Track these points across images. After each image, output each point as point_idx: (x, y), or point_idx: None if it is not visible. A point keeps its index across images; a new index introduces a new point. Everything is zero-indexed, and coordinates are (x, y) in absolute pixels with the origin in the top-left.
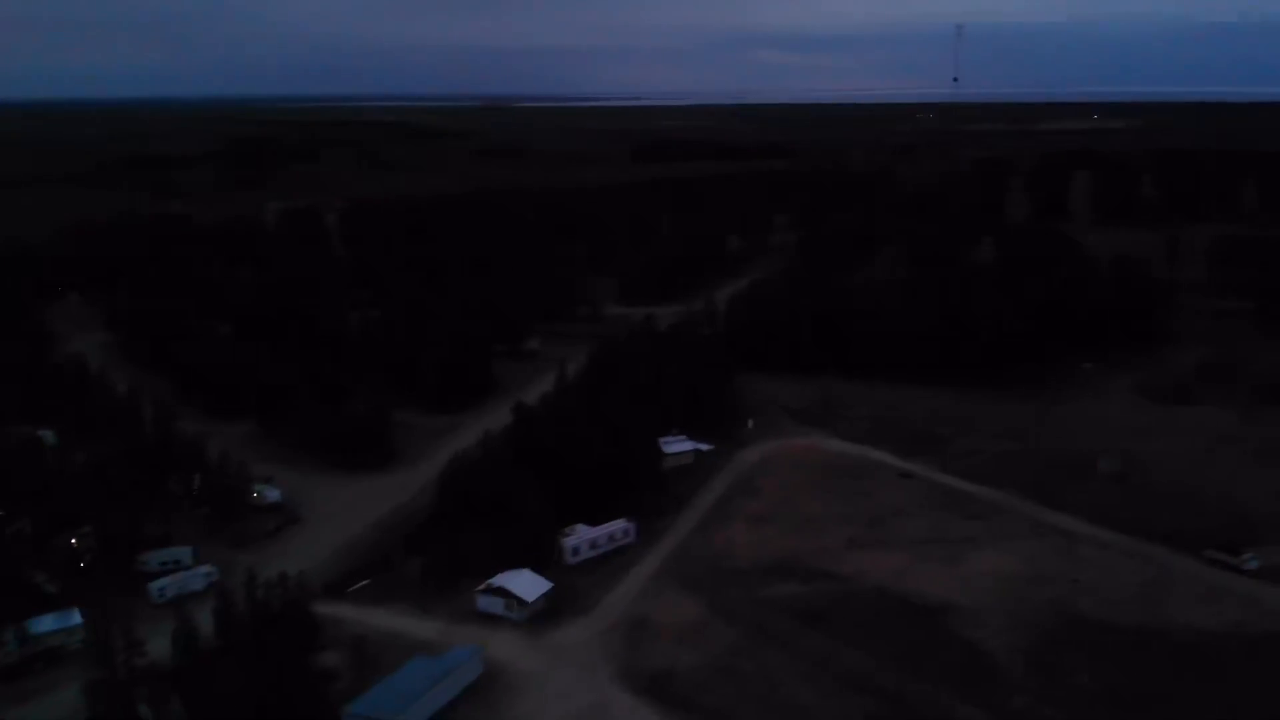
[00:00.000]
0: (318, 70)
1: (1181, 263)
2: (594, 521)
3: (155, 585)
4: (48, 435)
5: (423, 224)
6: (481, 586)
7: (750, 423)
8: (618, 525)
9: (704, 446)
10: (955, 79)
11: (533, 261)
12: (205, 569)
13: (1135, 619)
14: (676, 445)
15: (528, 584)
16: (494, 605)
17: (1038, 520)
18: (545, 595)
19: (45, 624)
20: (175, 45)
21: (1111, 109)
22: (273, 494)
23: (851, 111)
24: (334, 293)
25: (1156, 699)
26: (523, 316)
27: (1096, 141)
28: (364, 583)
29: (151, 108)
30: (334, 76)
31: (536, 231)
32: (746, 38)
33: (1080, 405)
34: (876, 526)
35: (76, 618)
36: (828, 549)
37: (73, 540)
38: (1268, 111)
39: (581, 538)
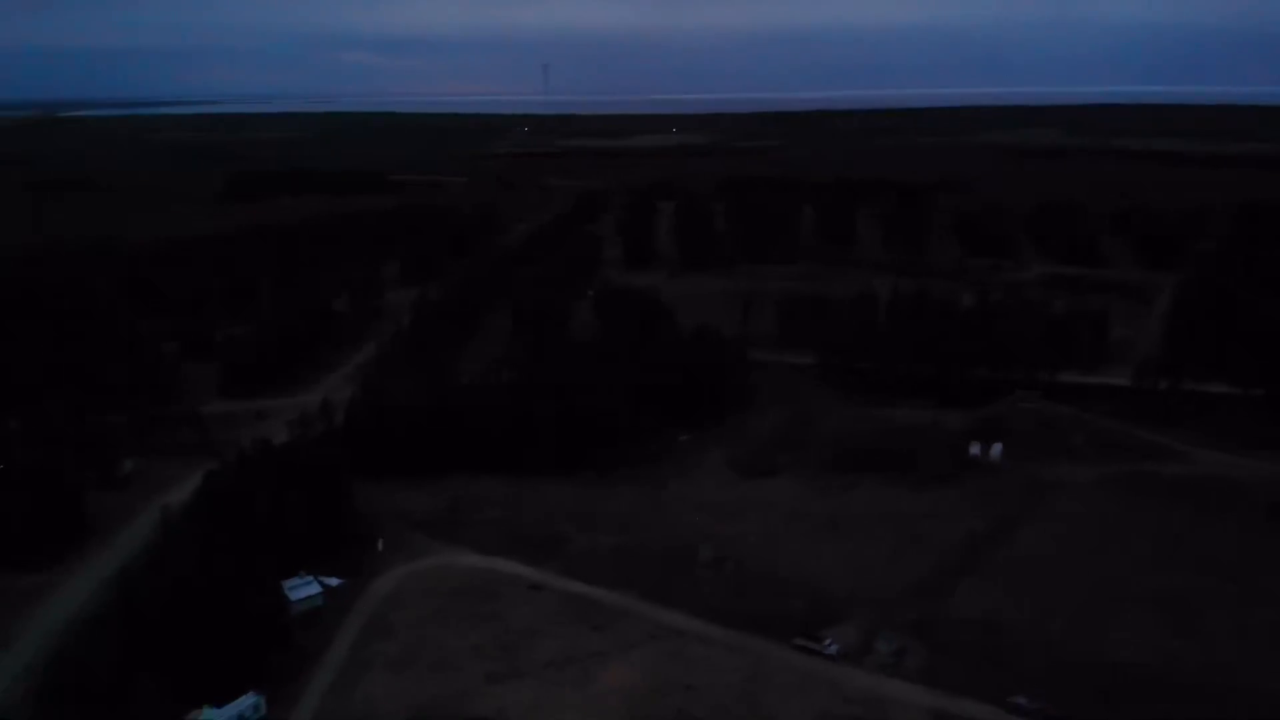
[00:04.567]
0: None
1: (754, 317)
2: (221, 699)
3: None
4: None
5: None
6: None
7: (380, 544)
8: (246, 701)
9: (333, 582)
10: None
11: (114, 348)
12: None
13: None
14: (303, 589)
15: None
16: None
17: (654, 622)
18: None
19: None
20: None
21: (690, 120)
22: None
23: (449, 121)
24: None
25: None
26: (112, 429)
27: (677, 165)
28: None
29: None
30: None
31: (114, 304)
32: (333, 38)
33: (680, 486)
34: (511, 653)
35: None
36: (467, 689)
37: None
38: (833, 117)
39: None
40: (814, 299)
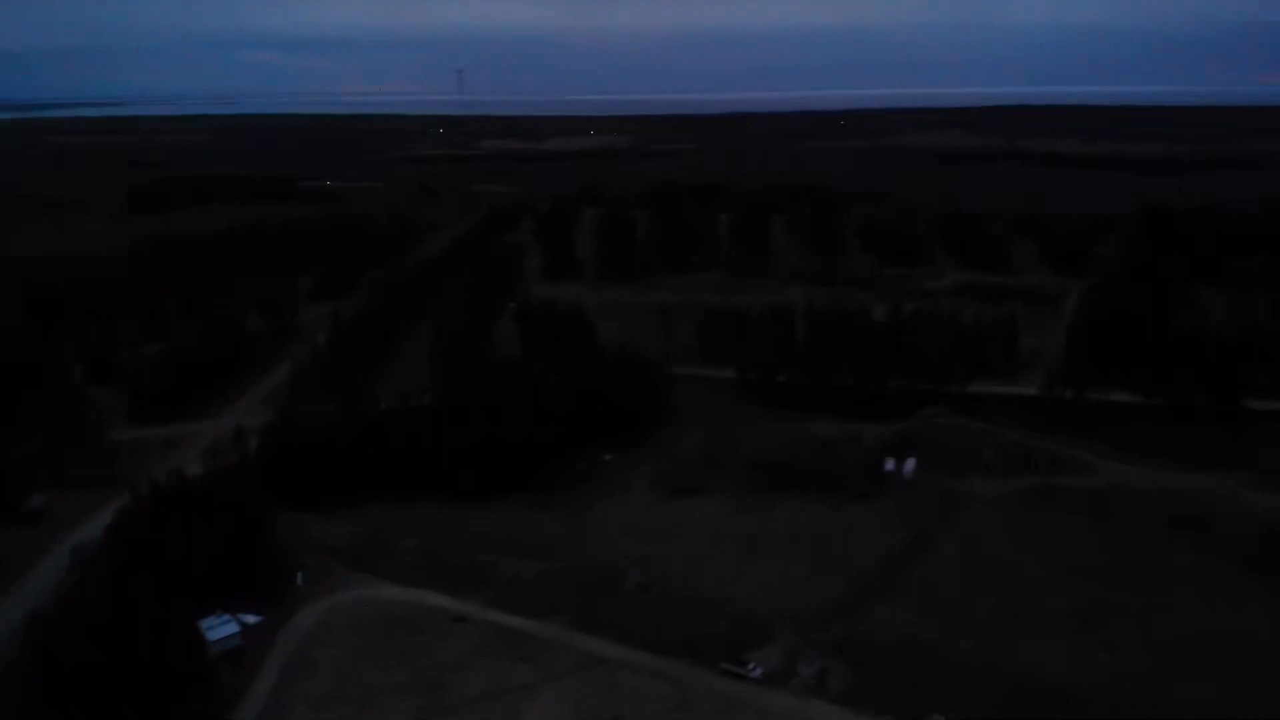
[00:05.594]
0: None
1: (675, 330)
2: None
3: None
4: None
5: None
6: None
7: (300, 577)
8: None
9: (252, 619)
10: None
11: (15, 373)
12: None
13: None
14: (221, 628)
15: None
16: None
17: (581, 651)
18: None
19: None
20: None
21: (606, 122)
22: None
23: (360, 123)
24: None
25: None
26: (18, 461)
27: (597, 169)
28: None
29: None
30: None
31: (11, 325)
32: (235, 38)
33: (605, 508)
34: (438, 689)
35: None
36: None
37: None
38: (748, 120)
39: None
40: (733, 312)
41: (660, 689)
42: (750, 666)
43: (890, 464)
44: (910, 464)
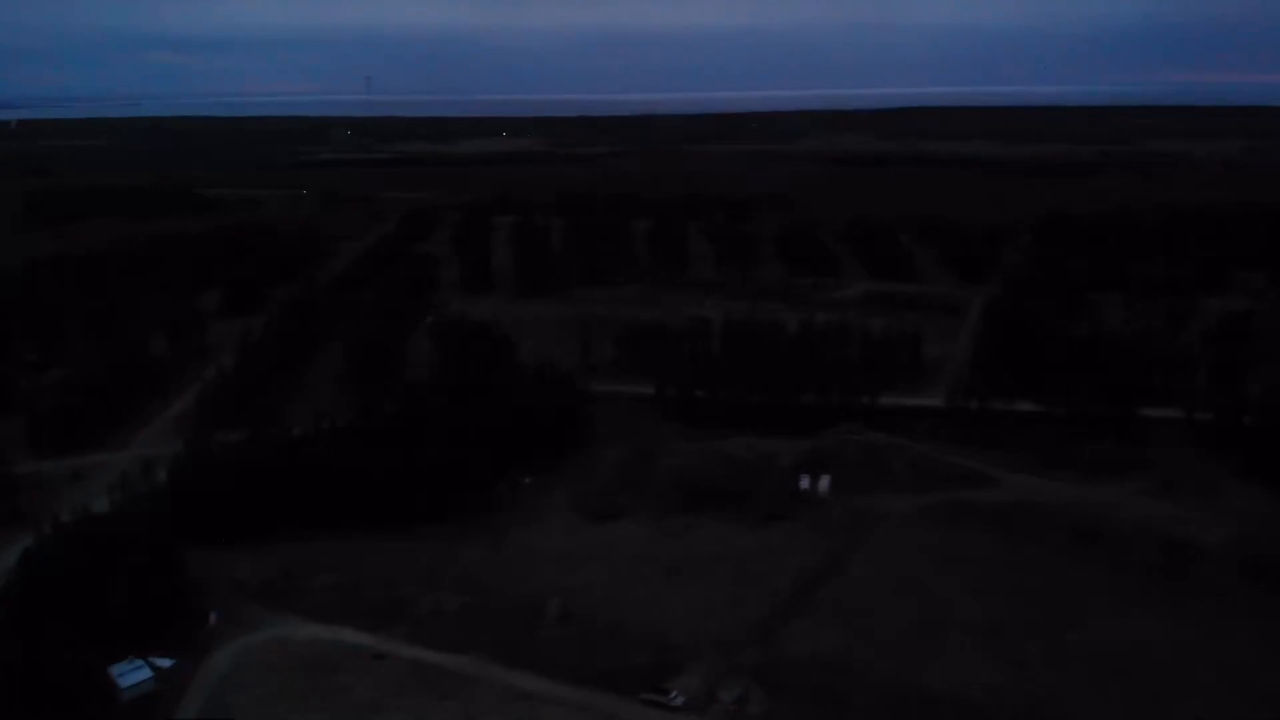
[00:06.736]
0: None
1: (593, 346)
2: None
3: None
4: None
5: None
6: None
7: (213, 618)
8: None
9: (165, 663)
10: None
11: None
12: None
13: None
14: (133, 674)
15: None
16: None
17: (503, 686)
18: None
19: None
20: None
21: (518, 124)
22: None
23: (265, 124)
24: None
25: None
26: None
27: (510, 174)
28: None
29: None
30: None
31: None
32: (136, 37)
33: (525, 534)
34: None
35: None
36: None
37: None
38: (658, 121)
39: None
40: (651, 326)
41: None
42: (671, 695)
43: (804, 482)
44: (825, 482)
